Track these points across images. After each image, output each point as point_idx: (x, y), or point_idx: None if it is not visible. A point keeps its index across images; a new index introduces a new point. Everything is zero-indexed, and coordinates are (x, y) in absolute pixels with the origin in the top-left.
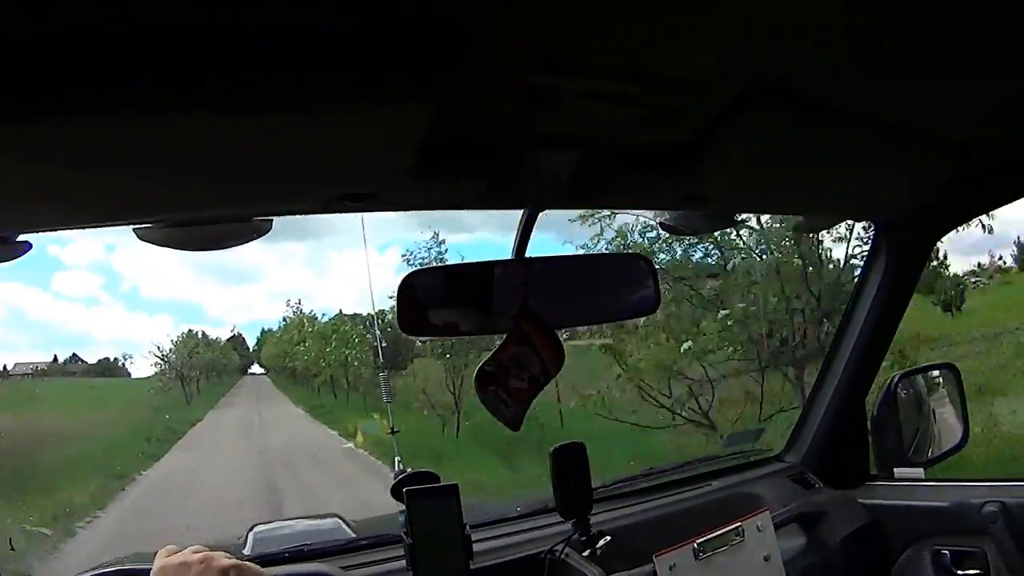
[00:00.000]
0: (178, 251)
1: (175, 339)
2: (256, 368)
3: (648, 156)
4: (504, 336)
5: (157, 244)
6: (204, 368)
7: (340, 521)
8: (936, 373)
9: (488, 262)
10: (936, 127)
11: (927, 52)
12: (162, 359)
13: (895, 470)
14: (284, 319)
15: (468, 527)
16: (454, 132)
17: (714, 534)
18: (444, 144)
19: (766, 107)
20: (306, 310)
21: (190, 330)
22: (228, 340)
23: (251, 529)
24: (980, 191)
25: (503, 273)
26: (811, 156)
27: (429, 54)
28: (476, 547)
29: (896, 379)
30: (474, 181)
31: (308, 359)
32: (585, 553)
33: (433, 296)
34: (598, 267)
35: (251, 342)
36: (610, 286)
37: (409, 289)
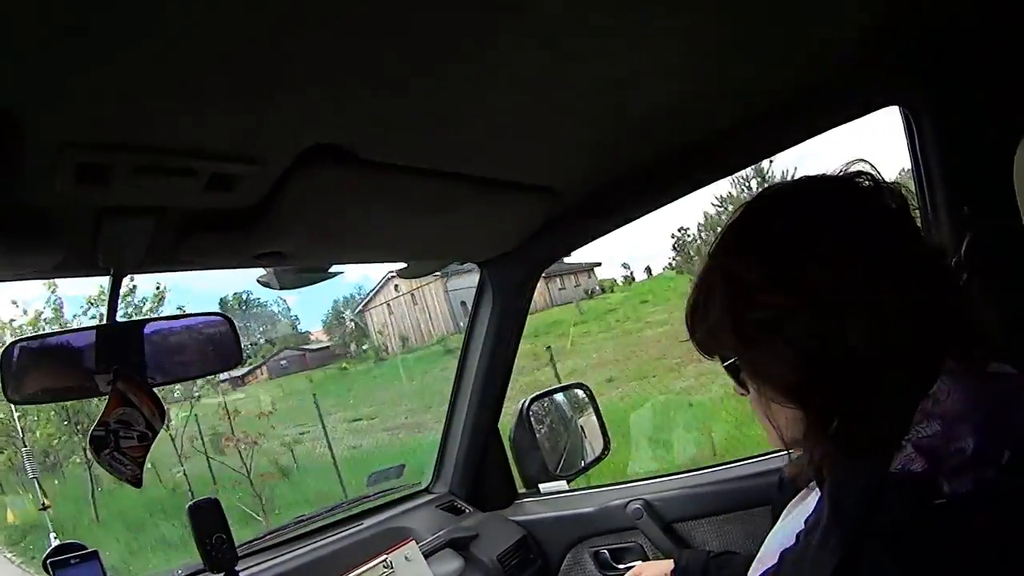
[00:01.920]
0: None
1: None
2: None
3: (219, 218)
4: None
5: None
6: None
7: None
8: (573, 392)
9: (84, 327)
10: (518, 176)
11: (483, 109)
12: None
13: (540, 486)
14: None
15: None
16: (22, 209)
17: (361, 570)
18: (18, 218)
19: (326, 168)
20: None
21: None
22: None
23: None
24: (569, 228)
25: (98, 337)
26: (384, 208)
27: None
28: None
29: (527, 403)
30: (52, 252)
31: None
32: None
33: (34, 363)
34: (184, 327)
35: None
36: (196, 344)
37: (10, 356)
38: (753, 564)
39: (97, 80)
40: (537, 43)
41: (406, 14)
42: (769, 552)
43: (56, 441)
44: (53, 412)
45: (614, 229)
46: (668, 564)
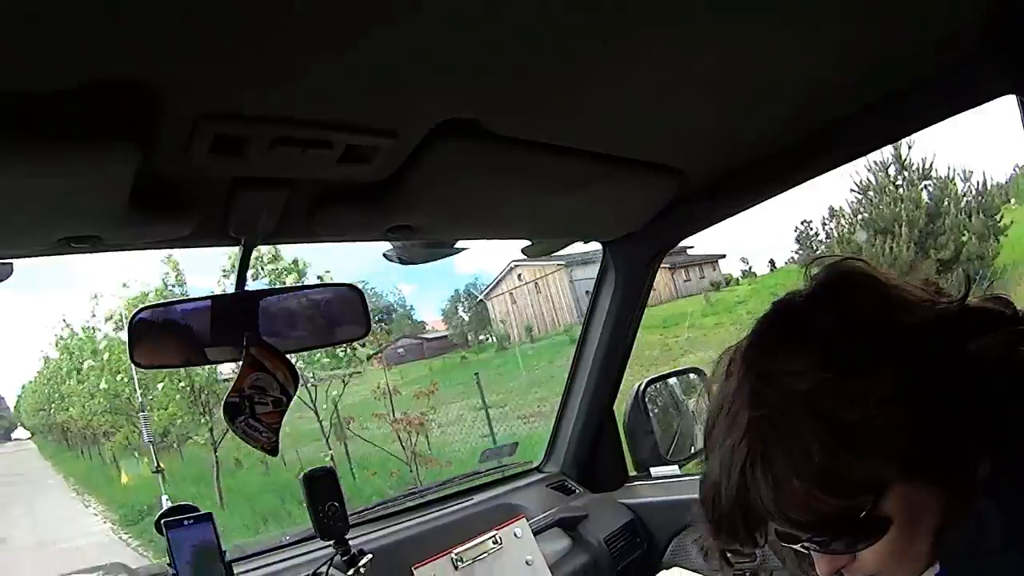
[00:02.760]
0: None
1: None
2: (20, 432)
3: (351, 191)
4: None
5: None
6: None
7: (124, 570)
8: (687, 376)
9: (213, 295)
10: (646, 155)
11: (617, 88)
12: None
13: (651, 470)
14: (45, 358)
15: (227, 554)
16: (161, 178)
17: (471, 544)
18: (153, 189)
19: (458, 142)
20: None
21: None
22: None
23: None
24: (694, 211)
25: (227, 305)
26: (517, 185)
27: (130, 117)
28: None
29: (642, 386)
30: (186, 221)
31: (88, 402)
32: (349, 572)
33: (163, 330)
34: (313, 296)
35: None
36: (325, 314)
37: (139, 324)
38: None
39: (236, 52)
40: (670, 25)
41: None
42: None
43: (180, 420)
44: (178, 393)
45: (739, 212)
46: None
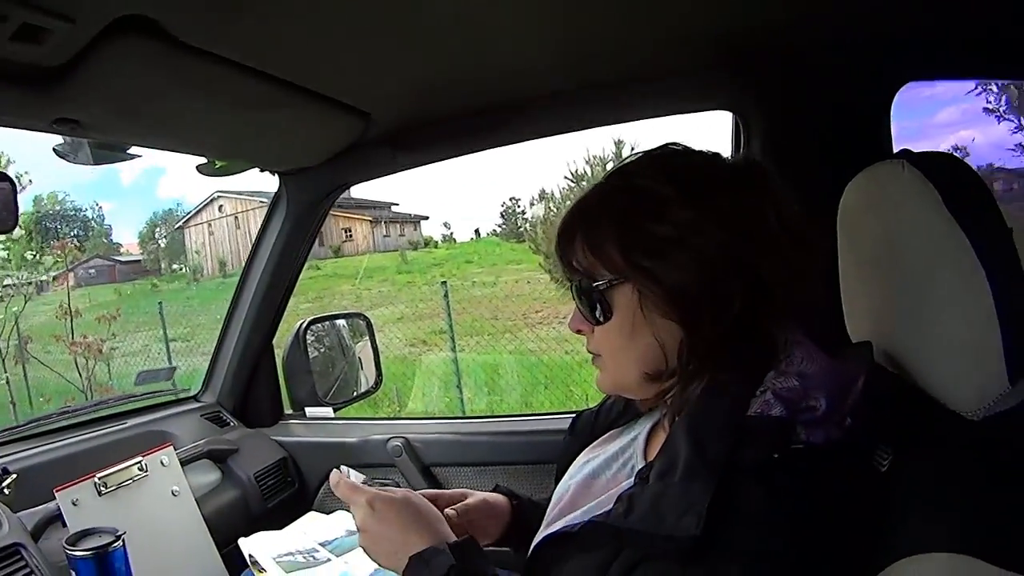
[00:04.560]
0: None
1: None
2: None
3: (20, 73)
4: None
5: None
6: None
7: None
8: (357, 321)
9: None
10: (334, 92)
11: (311, 17)
12: None
13: (307, 410)
14: None
15: None
16: None
17: (114, 469)
18: None
19: (139, 41)
20: None
21: None
22: None
23: None
24: (376, 156)
25: None
26: (197, 96)
27: None
28: None
29: (303, 325)
30: None
31: None
32: None
33: None
34: None
35: None
36: None
37: None
38: (558, 508)
39: None
40: None
41: None
42: (580, 494)
43: None
44: None
45: (420, 165)
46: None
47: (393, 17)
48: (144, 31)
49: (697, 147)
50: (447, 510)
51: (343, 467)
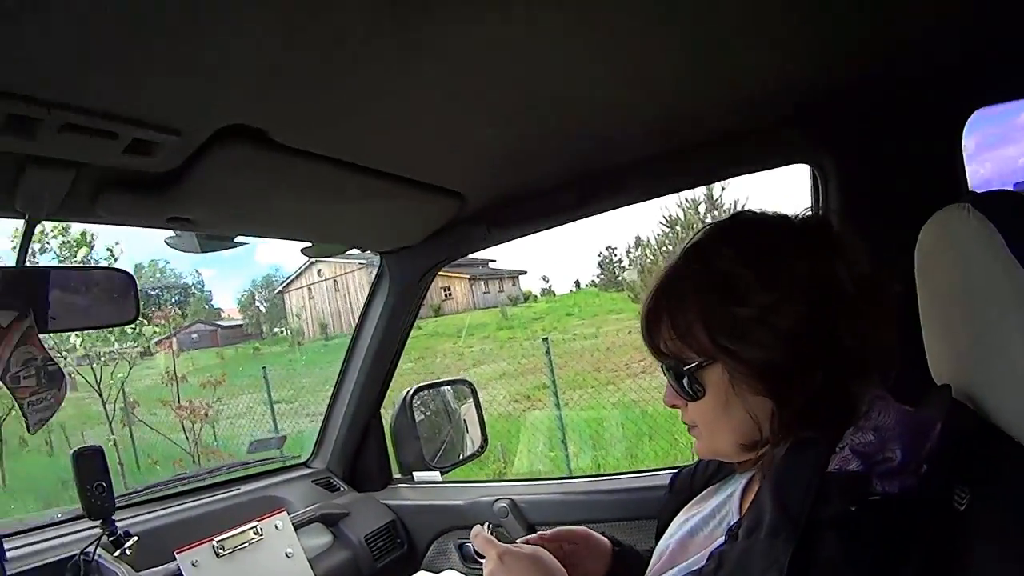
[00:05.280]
0: None
1: None
2: None
3: (135, 179)
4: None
5: None
6: None
7: None
8: (461, 387)
9: None
10: (426, 177)
11: (400, 109)
12: None
13: (415, 474)
14: None
15: None
16: None
17: (232, 532)
18: None
19: (240, 146)
20: None
21: None
22: None
23: None
24: (471, 232)
25: (4, 280)
26: (296, 193)
27: None
28: (11, 553)
29: (410, 392)
30: None
31: None
32: (116, 553)
33: None
34: (85, 278)
35: None
36: (96, 296)
37: None
38: (657, 567)
39: (34, 38)
40: (455, 54)
41: (322, 10)
42: (678, 552)
43: None
44: None
45: (515, 239)
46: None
47: (477, 100)
48: (245, 137)
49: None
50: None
51: (486, 524)
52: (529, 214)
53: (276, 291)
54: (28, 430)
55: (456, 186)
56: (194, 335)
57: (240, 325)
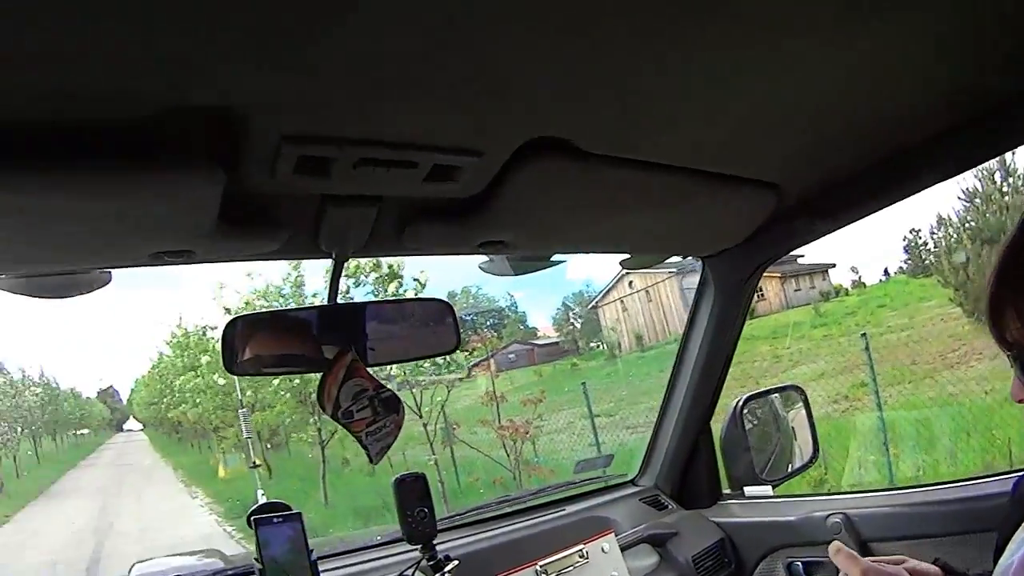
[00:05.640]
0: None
1: None
2: (132, 423)
3: (440, 207)
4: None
5: (12, 292)
6: (30, 423)
7: (216, 555)
8: (789, 393)
9: (304, 308)
10: (741, 171)
11: (711, 103)
12: None
13: (744, 488)
14: (159, 354)
15: (315, 554)
16: (248, 196)
17: (557, 556)
18: (242, 207)
19: (547, 160)
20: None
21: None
22: (97, 395)
23: (132, 566)
24: (793, 227)
25: (318, 317)
26: (606, 200)
27: (216, 141)
28: (329, 575)
29: (741, 402)
30: (276, 237)
31: (200, 398)
32: None
33: (255, 338)
34: (402, 310)
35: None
36: (416, 327)
37: (233, 331)
38: None
39: (317, 77)
40: (761, 44)
41: (626, 13)
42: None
43: (288, 420)
44: (287, 393)
45: (840, 228)
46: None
47: (777, 90)
48: (550, 150)
49: None
50: None
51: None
52: (850, 199)
53: (589, 306)
54: (371, 460)
55: (772, 177)
56: (511, 355)
57: (556, 343)
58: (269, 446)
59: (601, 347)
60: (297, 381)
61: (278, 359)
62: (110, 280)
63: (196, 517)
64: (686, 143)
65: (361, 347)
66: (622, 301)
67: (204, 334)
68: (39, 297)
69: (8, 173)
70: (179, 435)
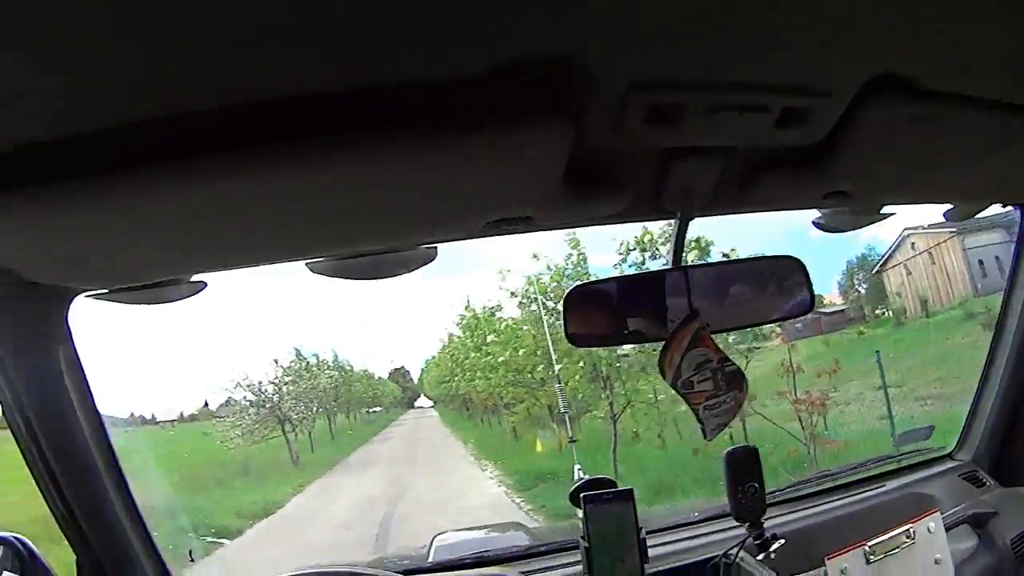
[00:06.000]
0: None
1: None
2: (423, 401)
3: (786, 158)
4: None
5: (328, 275)
6: (324, 402)
7: (521, 529)
8: None
9: (648, 272)
10: None
11: None
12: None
13: None
14: (449, 335)
15: (643, 531)
16: (594, 154)
17: (884, 537)
18: (587, 166)
19: (892, 100)
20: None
21: (297, 352)
22: (389, 375)
23: (434, 538)
24: None
25: (662, 282)
26: (947, 144)
27: (560, 93)
28: (652, 551)
29: None
30: (619, 197)
31: (491, 375)
32: (759, 556)
33: (596, 307)
34: (752, 270)
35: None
36: (766, 288)
37: (574, 301)
38: None
39: (663, 17)
40: None
41: None
42: None
43: (580, 395)
44: (578, 373)
45: None
46: None
47: None
48: (893, 89)
49: None
50: None
51: None
52: None
53: (873, 271)
54: (704, 436)
55: None
56: (799, 325)
57: (842, 310)
58: (558, 422)
59: (887, 314)
60: (582, 362)
61: (619, 328)
62: (435, 257)
63: (488, 489)
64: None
65: (708, 310)
66: (905, 265)
67: (492, 314)
68: (353, 278)
69: (331, 153)
70: (468, 411)
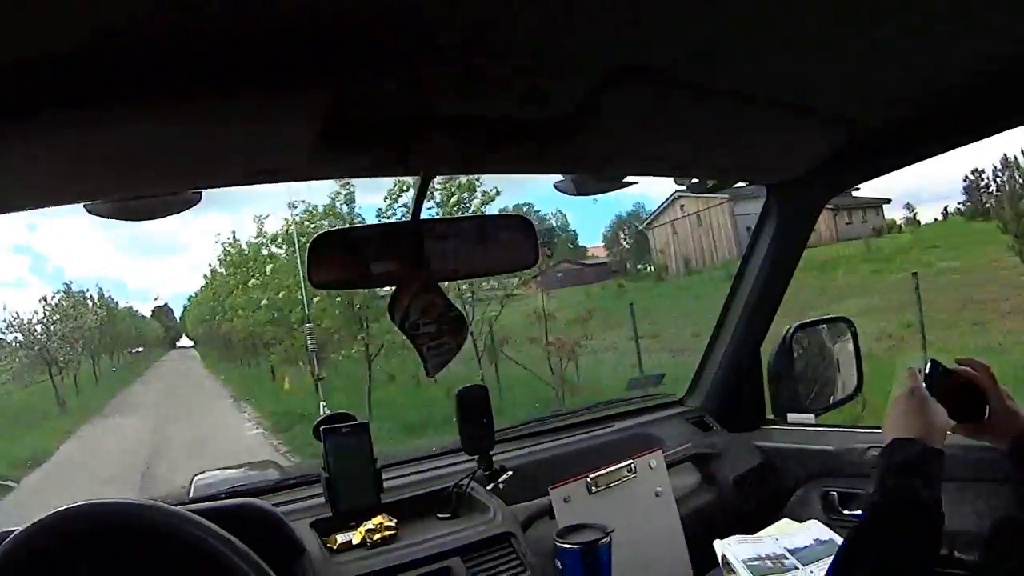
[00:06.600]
0: (108, 228)
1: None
2: (185, 340)
3: (530, 128)
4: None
5: (104, 216)
6: (90, 341)
7: (273, 466)
8: (836, 325)
9: (389, 223)
10: (816, 102)
11: (801, 33)
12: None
13: (788, 415)
14: (212, 271)
15: (379, 463)
16: (349, 114)
17: (607, 470)
18: (341, 124)
19: (631, 87)
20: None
21: (67, 289)
22: (152, 313)
23: (194, 477)
24: (862, 160)
25: (401, 233)
26: (688, 126)
27: (320, 53)
28: (390, 483)
29: (791, 330)
30: (370, 154)
31: (251, 315)
32: (489, 487)
33: (340, 254)
34: (484, 227)
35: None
36: (495, 243)
37: (318, 247)
38: None
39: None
40: None
41: None
42: None
43: (336, 335)
44: (337, 309)
45: (907, 165)
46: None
47: (853, 23)
48: (634, 77)
49: None
50: None
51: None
52: (922, 137)
53: (640, 228)
54: (427, 373)
55: (846, 110)
56: (559, 274)
57: (605, 263)
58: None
59: (649, 269)
60: (339, 298)
61: (359, 273)
62: (199, 201)
63: (246, 431)
64: (762, 72)
65: (441, 261)
66: (672, 224)
67: (258, 251)
68: (130, 220)
69: (104, 101)
70: (229, 351)
